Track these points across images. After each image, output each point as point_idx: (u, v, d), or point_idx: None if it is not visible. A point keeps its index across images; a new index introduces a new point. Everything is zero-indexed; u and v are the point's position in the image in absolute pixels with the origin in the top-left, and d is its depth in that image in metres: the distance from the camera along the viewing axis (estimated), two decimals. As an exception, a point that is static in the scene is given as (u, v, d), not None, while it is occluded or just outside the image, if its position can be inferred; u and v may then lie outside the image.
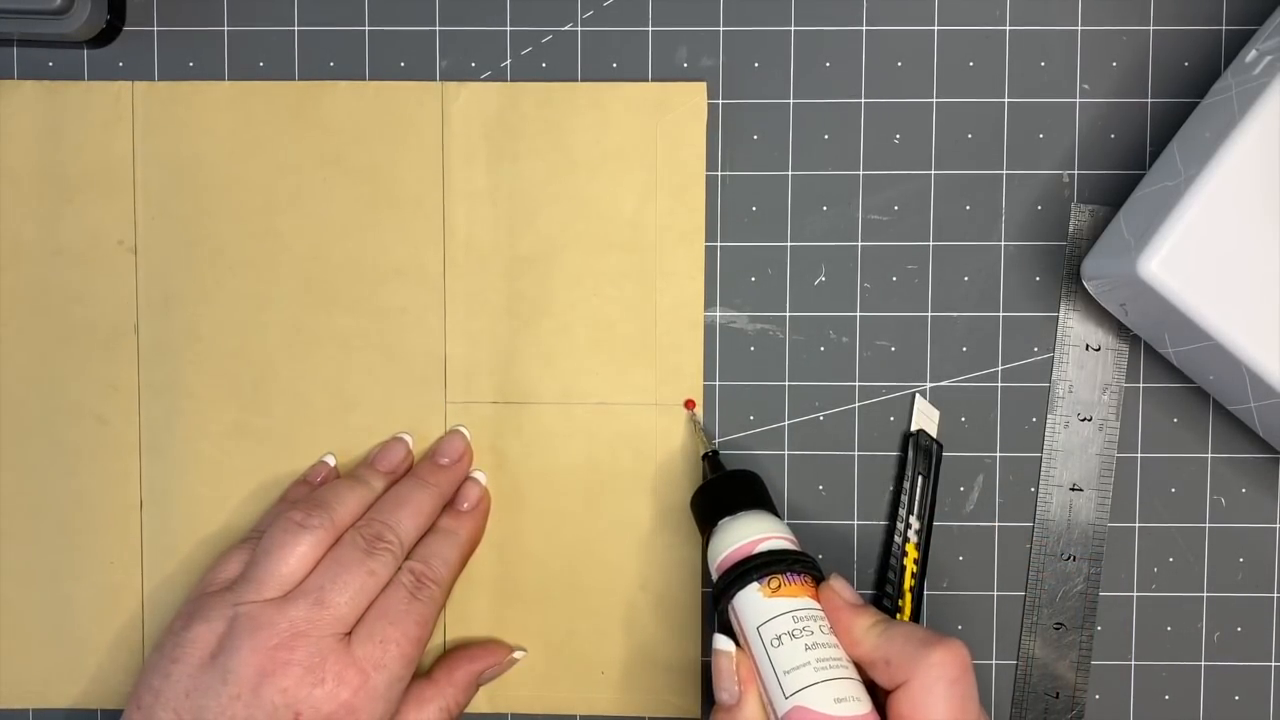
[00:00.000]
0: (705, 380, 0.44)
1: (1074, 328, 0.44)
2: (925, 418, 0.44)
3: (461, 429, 0.44)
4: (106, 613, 0.44)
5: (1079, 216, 0.44)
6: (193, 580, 0.43)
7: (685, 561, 0.43)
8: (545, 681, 0.44)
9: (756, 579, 0.38)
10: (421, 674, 0.42)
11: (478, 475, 0.44)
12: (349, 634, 0.39)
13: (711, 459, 0.42)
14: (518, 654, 0.44)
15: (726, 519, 0.40)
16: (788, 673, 0.37)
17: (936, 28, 0.43)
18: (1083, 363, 0.44)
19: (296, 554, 0.39)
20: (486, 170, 0.43)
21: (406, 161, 0.43)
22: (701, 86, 0.43)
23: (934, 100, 0.43)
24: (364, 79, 0.44)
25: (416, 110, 0.43)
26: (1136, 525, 0.44)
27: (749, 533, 0.39)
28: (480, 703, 0.44)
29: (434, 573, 0.41)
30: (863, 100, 0.43)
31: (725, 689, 0.38)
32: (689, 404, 0.43)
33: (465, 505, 0.43)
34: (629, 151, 0.43)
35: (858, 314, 0.44)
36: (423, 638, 0.40)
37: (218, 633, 0.38)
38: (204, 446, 0.44)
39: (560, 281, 0.43)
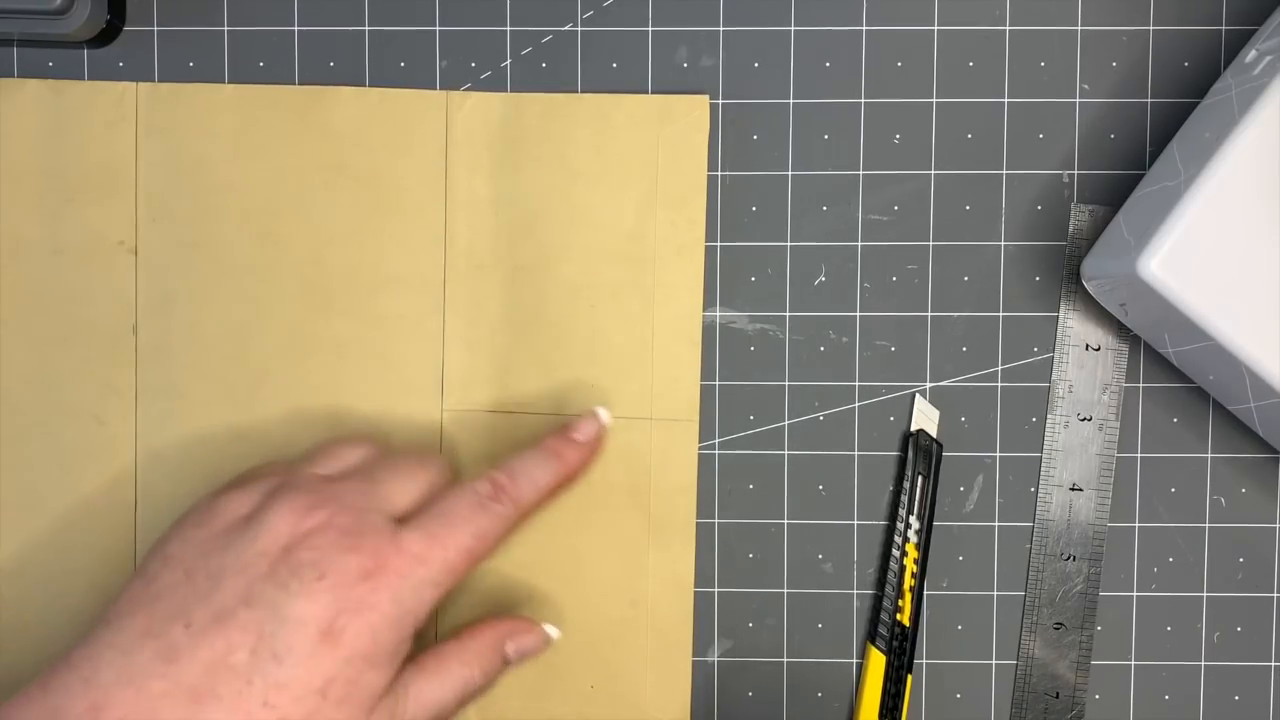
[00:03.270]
0: (704, 380, 0.44)
1: (1074, 328, 0.44)
2: (925, 418, 0.44)
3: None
4: (100, 612, 0.44)
5: (1079, 216, 0.44)
6: None
7: (676, 577, 0.43)
8: (535, 695, 0.43)
9: None
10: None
11: (601, 413, 0.41)
12: (398, 523, 0.36)
13: None
14: (551, 630, 0.40)
15: None
16: None
17: (936, 28, 0.43)
18: (1083, 363, 0.44)
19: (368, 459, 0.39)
20: (488, 180, 0.43)
21: (409, 169, 0.43)
22: (704, 100, 0.43)
23: (934, 100, 0.43)
24: (364, 79, 0.44)
25: (420, 118, 0.43)
26: (1136, 525, 0.44)
27: None
28: (470, 715, 0.43)
29: (516, 489, 0.38)
30: (863, 100, 0.44)
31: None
32: None
33: (579, 436, 0.40)
34: (630, 164, 0.43)
35: (858, 314, 0.44)
36: (476, 554, 0.36)
37: (253, 499, 0.36)
38: (199, 450, 0.44)
39: (559, 292, 0.43)
